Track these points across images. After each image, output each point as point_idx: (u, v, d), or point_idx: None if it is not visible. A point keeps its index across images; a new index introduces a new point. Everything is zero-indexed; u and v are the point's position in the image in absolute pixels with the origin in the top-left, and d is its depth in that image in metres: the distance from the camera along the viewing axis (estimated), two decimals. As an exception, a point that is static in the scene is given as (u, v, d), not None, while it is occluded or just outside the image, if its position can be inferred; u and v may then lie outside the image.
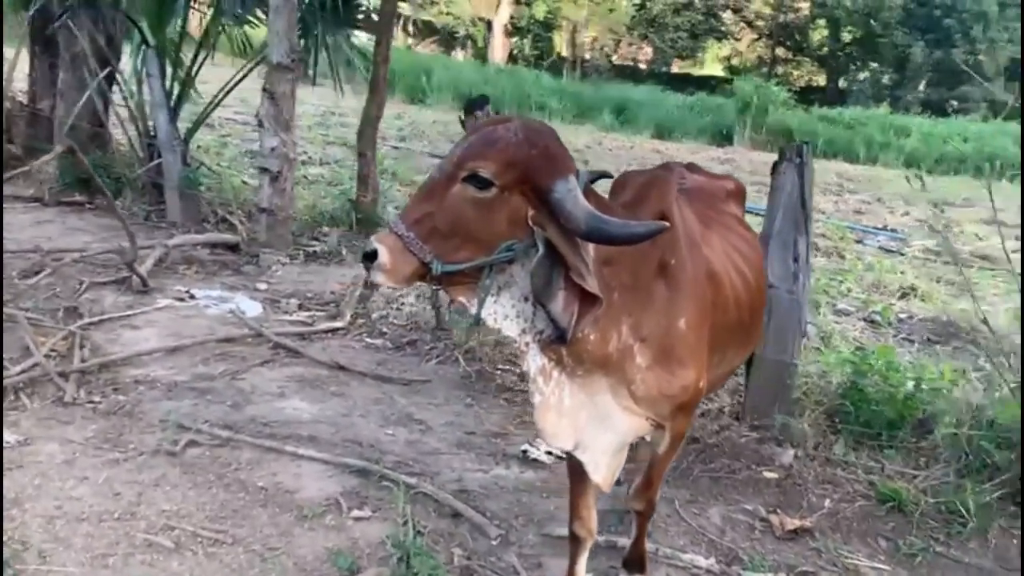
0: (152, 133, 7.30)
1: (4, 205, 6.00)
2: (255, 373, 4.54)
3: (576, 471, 2.62)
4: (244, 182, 8.37)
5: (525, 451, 3.94)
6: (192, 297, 5.54)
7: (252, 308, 5.46)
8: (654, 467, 2.66)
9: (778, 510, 3.55)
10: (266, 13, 6.55)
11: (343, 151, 11.71)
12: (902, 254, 9.69)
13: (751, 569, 3.16)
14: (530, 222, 2.06)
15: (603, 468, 2.44)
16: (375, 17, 7.83)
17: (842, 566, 3.23)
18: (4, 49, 7.17)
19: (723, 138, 21.36)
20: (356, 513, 3.31)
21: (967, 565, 3.28)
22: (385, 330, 5.33)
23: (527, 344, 2.27)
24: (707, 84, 29.96)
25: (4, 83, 7.04)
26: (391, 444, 3.93)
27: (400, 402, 4.39)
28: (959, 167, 19.19)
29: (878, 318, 6.45)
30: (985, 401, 3.80)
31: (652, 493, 2.77)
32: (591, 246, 2.08)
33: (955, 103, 24.87)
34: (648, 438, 2.57)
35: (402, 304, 5.61)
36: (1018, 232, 11.44)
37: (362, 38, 8.42)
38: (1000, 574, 3.25)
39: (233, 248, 6.52)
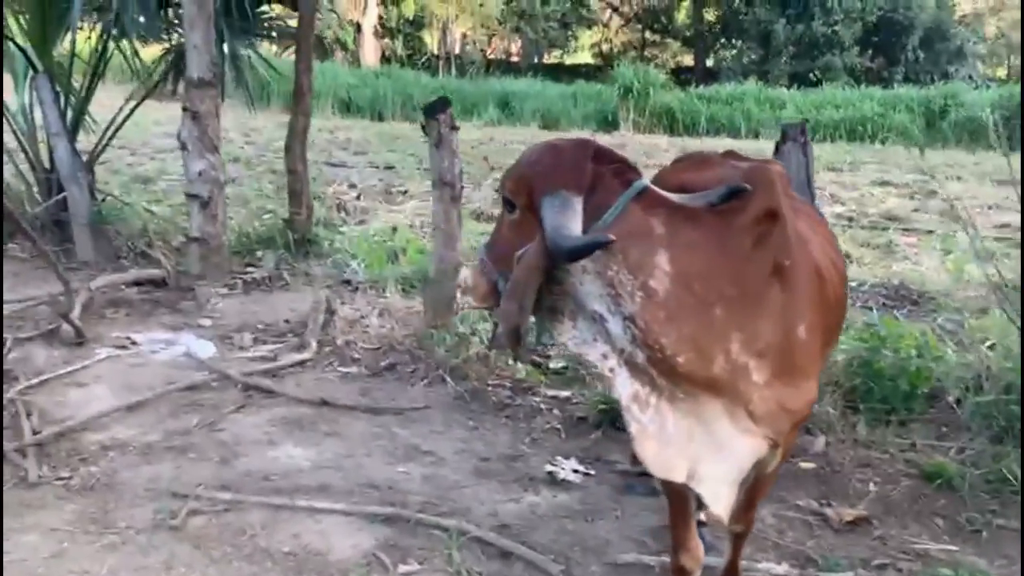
0: (48, 166, 6.60)
1: None
2: (232, 421, 4.11)
3: (680, 498, 2.41)
4: (150, 211, 7.72)
5: (551, 472, 3.70)
6: (134, 343, 5.01)
7: (204, 348, 4.98)
8: (760, 487, 2.46)
9: (830, 502, 3.45)
10: (170, 28, 6.01)
11: (261, 168, 11.12)
12: (817, 223, 9.91)
13: (827, 570, 3.03)
14: None
15: (724, 498, 2.23)
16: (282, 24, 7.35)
17: (912, 552, 3.14)
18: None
19: (608, 124, 21.56)
20: (403, 568, 2.99)
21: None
22: (356, 355, 4.96)
23: (611, 369, 2.09)
24: (580, 72, 30.35)
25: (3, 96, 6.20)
26: (408, 483, 3.62)
27: (400, 434, 4.07)
28: (833, 134, 20.02)
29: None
30: (1007, 364, 3.80)
31: (753, 514, 2.59)
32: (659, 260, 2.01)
33: (818, 73, 25.91)
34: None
35: (367, 325, 5.24)
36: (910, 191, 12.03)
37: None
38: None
39: (161, 284, 5.96)
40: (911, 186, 12.18)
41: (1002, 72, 31.06)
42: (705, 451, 2.16)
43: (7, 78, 6.63)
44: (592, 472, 3.75)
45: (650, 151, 15.36)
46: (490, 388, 4.57)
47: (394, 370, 4.80)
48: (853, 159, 15.49)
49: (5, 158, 6.99)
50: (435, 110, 4.65)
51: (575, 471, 3.72)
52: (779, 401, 2.15)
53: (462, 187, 4.87)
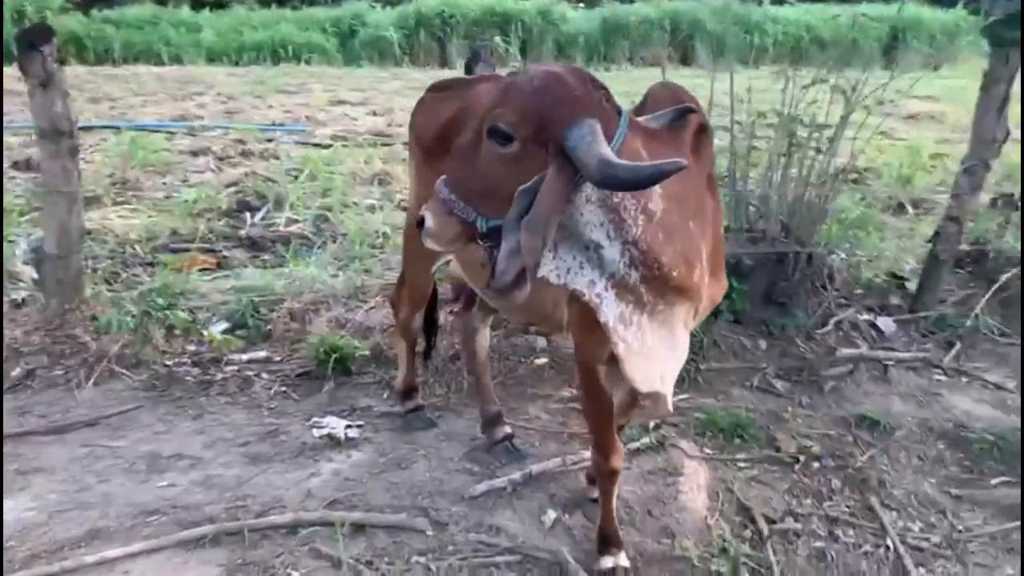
0: None
1: None
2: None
3: (608, 407, 2.57)
4: None
5: (328, 435, 3.46)
6: None
7: None
8: None
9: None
10: None
11: None
12: (322, 145, 9.98)
13: (631, 440, 3.47)
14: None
15: (670, 395, 2.46)
16: None
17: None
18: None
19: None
20: (285, 580, 2.60)
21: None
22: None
23: (598, 295, 2.16)
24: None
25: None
26: (187, 495, 3.06)
27: (122, 447, 3.35)
28: (257, 56, 20.05)
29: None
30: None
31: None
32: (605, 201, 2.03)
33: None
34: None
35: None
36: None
37: None
38: None
39: None
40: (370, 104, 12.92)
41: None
42: (670, 354, 2.35)
43: None
44: (361, 423, 3.59)
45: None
46: (177, 369, 3.95)
47: (36, 377, 3.80)
48: (302, 81, 15.82)
49: None
50: (33, 42, 3.64)
51: (348, 427, 3.53)
52: (711, 297, 2.43)
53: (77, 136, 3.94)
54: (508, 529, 2.92)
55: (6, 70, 6.89)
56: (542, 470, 3.22)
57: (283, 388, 3.89)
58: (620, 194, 2.03)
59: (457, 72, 18.40)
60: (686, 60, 20.52)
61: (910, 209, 6.66)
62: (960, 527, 2.97)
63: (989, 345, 4.39)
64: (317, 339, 4.04)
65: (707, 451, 3.42)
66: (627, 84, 11.60)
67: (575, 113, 1.92)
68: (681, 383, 3.99)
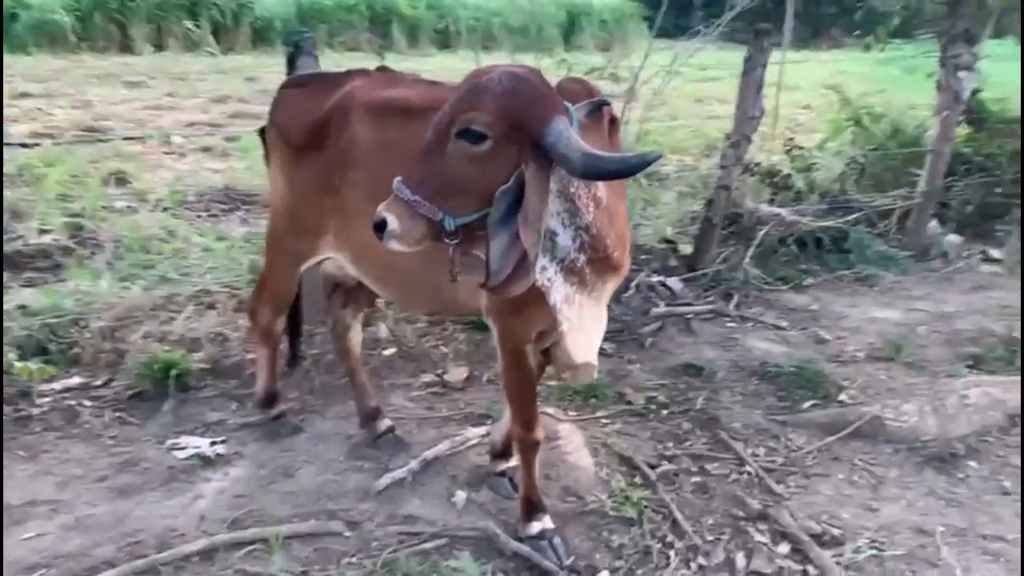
0: None
1: None
2: None
3: (532, 382, 2.73)
4: None
5: (196, 455, 3.26)
6: None
7: None
8: None
9: (441, 372, 3.98)
10: None
11: None
12: (27, 145, 8.86)
13: (493, 416, 3.64)
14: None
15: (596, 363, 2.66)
16: None
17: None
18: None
19: None
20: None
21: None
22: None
23: (549, 279, 2.32)
24: None
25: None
26: (63, 542, 2.74)
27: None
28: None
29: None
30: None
31: None
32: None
33: None
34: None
35: None
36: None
37: None
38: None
39: None
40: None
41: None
42: (599, 327, 2.56)
43: None
44: (222, 438, 3.41)
45: None
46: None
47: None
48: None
49: None
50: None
51: (213, 443, 3.34)
52: (624, 273, 2.67)
53: None
54: (424, 516, 2.96)
55: None
56: (435, 455, 3.29)
57: (116, 413, 3.56)
58: (576, 184, 2.18)
59: (145, 58, 17.08)
60: (385, 45, 20.64)
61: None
62: (793, 447, 3.51)
63: (757, 293, 5.12)
64: (146, 356, 3.73)
65: (572, 414, 3.68)
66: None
67: (548, 111, 2.04)
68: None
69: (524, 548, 2.76)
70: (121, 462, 3.21)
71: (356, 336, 3.43)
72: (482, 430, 3.48)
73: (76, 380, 3.75)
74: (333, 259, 3.05)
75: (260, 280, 3.33)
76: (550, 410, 3.67)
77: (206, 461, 3.23)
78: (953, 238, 5.86)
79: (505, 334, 2.64)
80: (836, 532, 2.96)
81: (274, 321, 3.33)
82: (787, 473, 3.33)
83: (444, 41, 20.69)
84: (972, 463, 3.43)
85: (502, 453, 3.14)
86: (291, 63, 3.81)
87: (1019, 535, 2.98)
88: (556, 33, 21.96)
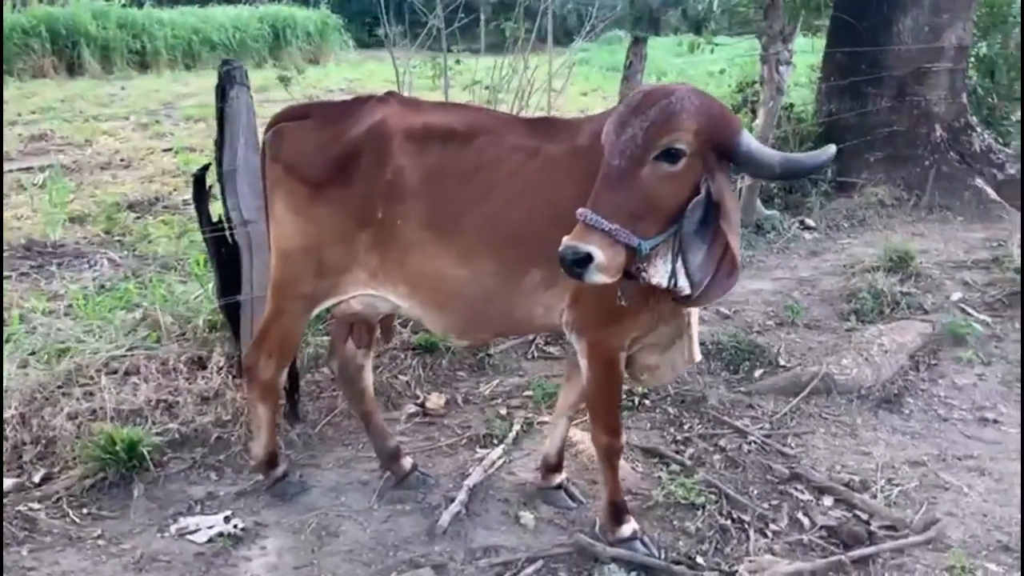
0: None
1: None
2: None
3: (621, 394, 2.79)
4: None
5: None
6: None
7: None
8: None
9: (423, 397, 3.84)
10: None
11: None
12: None
13: (501, 439, 3.60)
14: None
15: None
16: None
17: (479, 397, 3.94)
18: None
19: None
20: None
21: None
22: None
23: (679, 286, 2.39)
24: None
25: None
26: None
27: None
28: None
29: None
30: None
31: None
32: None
33: None
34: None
35: None
36: None
37: None
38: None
39: None
40: None
41: None
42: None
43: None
44: (228, 512, 3.06)
45: None
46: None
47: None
48: None
49: None
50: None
51: (227, 519, 2.99)
52: None
53: None
54: (502, 544, 2.88)
55: None
56: (474, 483, 3.19)
57: (82, 509, 3.05)
58: None
59: None
60: (73, 69, 18.57)
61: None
62: (769, 412, 3.83)
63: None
64: (101, 438, 3.21)
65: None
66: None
67: (735, 122, 2.17)
68: (480, 370, 4.21)
69: (623, 552, 2.78)
70: (135, 561, 2.77)
71: (369, 376, 3.21)
72: (498, 451, 3.43)
73: (9, 482, 3.14)
74: (362, 297, 2.85)
75: (261, 331, 3.00)
76: (547, 417, 3.69)
77: (234, 539, 2.88)
78: (775, 213, 6.61)
79: (596, 345, 2.64)
80: (855, 479, 3.29)
81: (278, 375, 3.03)
82: (781, 436, 3.63)
83: (143, 63, 19.16)
84: (909, 399, 3.96)
85: (556, 467, 3.13)
86: (223, 94, 3.47)
87: (987, 451, 3.52)
88: (262, 47, 21.37)
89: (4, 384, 3.51)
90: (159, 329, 4.06)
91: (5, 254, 5.74)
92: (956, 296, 5.05)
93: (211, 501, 3.14)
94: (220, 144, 3.54)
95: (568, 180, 2.55)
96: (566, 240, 2.08)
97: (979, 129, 7.46)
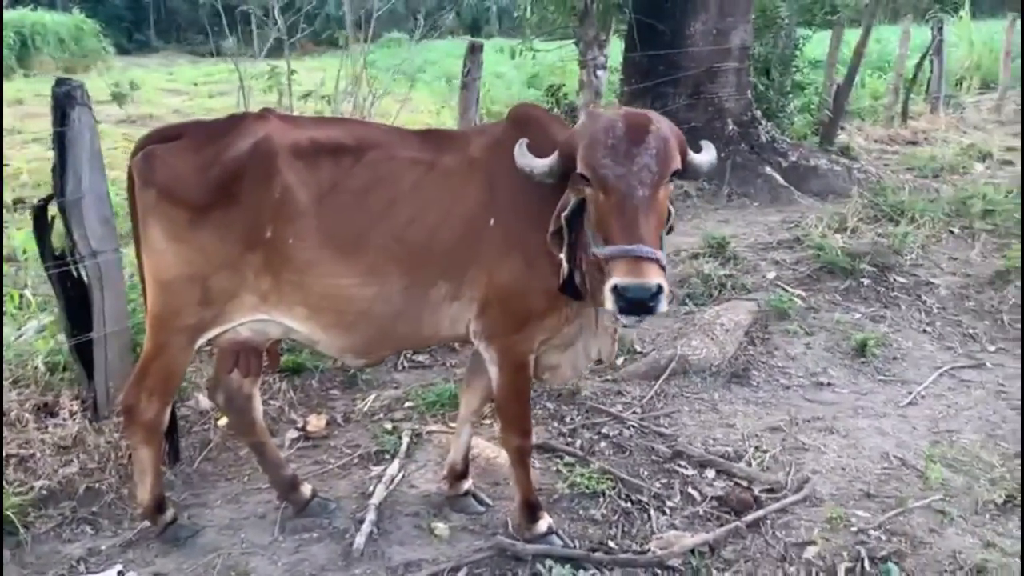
0: None
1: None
2: None
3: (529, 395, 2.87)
4: None
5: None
6: None
7: None
8: None
9: (301, 419, 3.71)
10: None
11: None
12: None
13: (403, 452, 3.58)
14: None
15: None
16: None
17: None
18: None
19: None
20: None
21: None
22: None
23: None
24: None
25: None
26: None
27: None
28: None
29: None
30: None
31: None
32: None
33: None
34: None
35: None
36: None
37: None
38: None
39: None
40: None
41: None
42: None
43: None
44: (120, 565, 2.85)
45: None
46: None
47: None
48: None
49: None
50: None
51: (120, 572, 2.78)
52: None
53: None
54: (422, 557, 2.88)
55: None
56: (379, 499, 3.15)
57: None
58: None
59: None
60: None
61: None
62: (637, 396, 4.06)
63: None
64: None
65: (453, 425, 3.75)
66: None
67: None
68: (353, 386, 4.15)
69: (542, 547, 2.87)
70: None
71: (259, 405, 3.07)
72: (394, 465, 3.40)
73: None
74: (251, 323, 2.73)
75: (140, 368, 2.79)
76: (434, 426, 3.71)
77: None
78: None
79: (506, 352, 2.70)
80: (728, 450, 3.58)
81: (161, 414, 2.82)
82: (653, 418, 3.86)
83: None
84: (754, 372, 4.34)
85: (462, 474, 3.16)
86: (62, 116, 3.18)
87: (829, 412, 3.94)
88: (7, 55, 19.54)
89: None
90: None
91: None
92: (772, 275, 5.56)
93: (94, 557, 2.90)
94: (61, 170, 3.26)
95: (468, 192, 2.61)
96: (630, 282, 2.13)
97: (763, 122, 8.24)
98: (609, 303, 2.19)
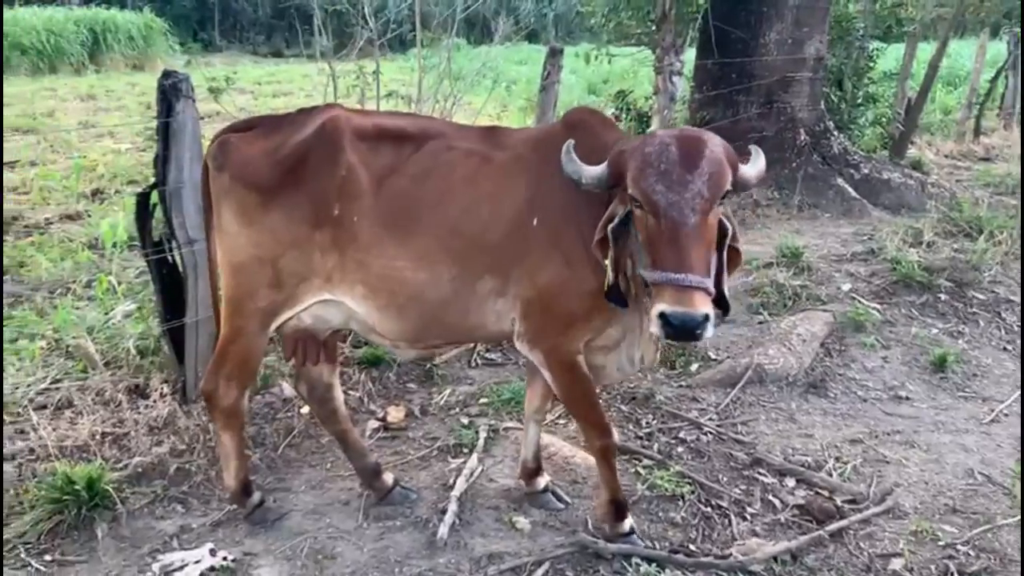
0: None
1: None
2: None
3: (595, 392, 2.86)
4: None
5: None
6: None
7: None
8: None
9: (382, 411, 3.78)
10: None
11: None
12: None
13: (467, 446, 3.62)
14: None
15: None
16: None
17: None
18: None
19: None
20: None
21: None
22: None
23: None
24: None
25: None
26: None
27: None
28: None
29: None
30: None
31: None
32: None
33: None
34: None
35: None
36: None
37: None
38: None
39: None
40: None
41: None
42: None
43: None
44: (210, 545, 2.92)
45: None
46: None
47: None
48: None
49: None
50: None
51: (212, 552, 2.86)
52: None
53: None
54: (505, 550, 2.90)
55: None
56: (460, 491, 3.19)
57: (45, 557, 2.82)
58: None
59: None
60: None
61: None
62: (713, 403, 4.04)
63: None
64: (59, 478, 2.97)
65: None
66: None
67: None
68: (428, 381, 4.19)
69: (625, 547, 2.88)
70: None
71: (340, 395, 3.13)
72: (473, 459, 3.44)
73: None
74: (313, 309, 2.77)
75: (218, 354, 2.85)
76: (510, 423, 3.74)
77: (228, 572, 2.75)
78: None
79: (552, 354, 2.69)
80: (807, 459, 3.55)
81: (240, 397, 2.88)
82: (731, 425, 3.84)
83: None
84: (831, 383, 4.29)
85: (536, 470, 3.18)
86: (168, 107, 3.29)
87: (909, 426, 3.87)
88: (80, 52, 20.09)
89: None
90: (79, 358, 3.81)
91: None
92: (847, 287, 5.49)
93: (186, 535, 2.98)
94: (164, 160, 3.37)
95: (514, 190, 2.63)
96: (678, 310, 2.13)
97: (835, 133, 8.13)
98: (655, 327, 2.19)
